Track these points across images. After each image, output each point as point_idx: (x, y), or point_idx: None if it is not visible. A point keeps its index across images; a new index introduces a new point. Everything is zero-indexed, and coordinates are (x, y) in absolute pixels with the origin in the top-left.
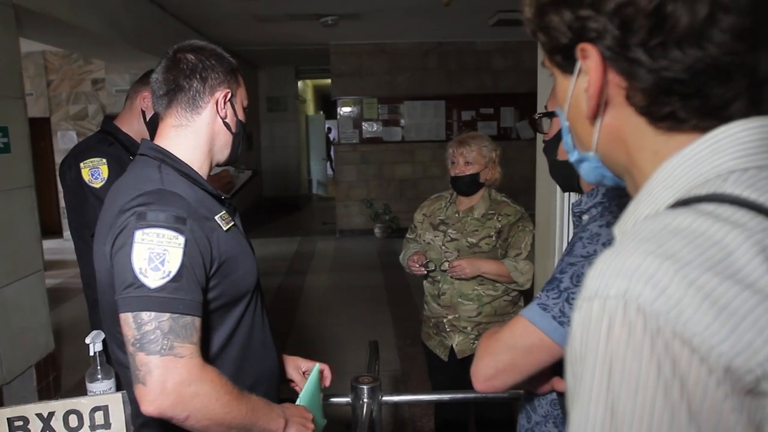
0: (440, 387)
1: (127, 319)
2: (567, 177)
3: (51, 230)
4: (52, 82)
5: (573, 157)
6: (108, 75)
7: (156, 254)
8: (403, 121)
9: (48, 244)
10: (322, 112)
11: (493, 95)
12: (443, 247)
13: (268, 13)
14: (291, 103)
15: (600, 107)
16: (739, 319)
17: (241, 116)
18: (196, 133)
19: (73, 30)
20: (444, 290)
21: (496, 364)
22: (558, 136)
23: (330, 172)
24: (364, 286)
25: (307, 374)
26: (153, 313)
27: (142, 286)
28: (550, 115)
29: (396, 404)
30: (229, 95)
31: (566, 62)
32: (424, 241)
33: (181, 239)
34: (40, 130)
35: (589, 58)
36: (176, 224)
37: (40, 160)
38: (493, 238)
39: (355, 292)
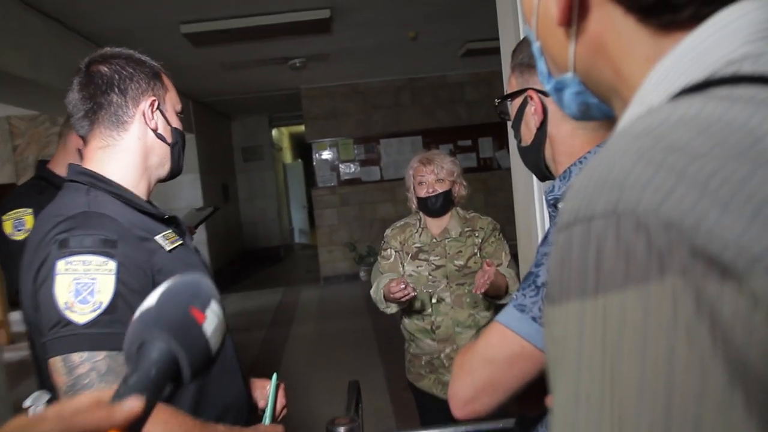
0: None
1: (56, 364)
2: (537, 162)
3: None
4: (18, 146)
5: (549, 86)
6: None
7: (83, 285)
8: (382, 160)
9: (17, 315)
10: (300, 160)
11: (470, 127)
12: (430, 276)
13: (235, 60)
14: (267, 151)
15: (573, 8)
16: None
17: (175, 123)
18: (127, 152)
19: (36, 88)
20: (438, 323)
21: (474, 382)
22: (519, 116)
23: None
24: (351, 332)
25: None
26: (86, 353)
27: (70, 323)
28: (511, 96)
29: None
30: (157, 103)
31: None
32: (405, 273)
33: (112, 264)
34: None
35: None
36: (105, 248)
37: None
38: (478, 255)
39: (343, 338)
